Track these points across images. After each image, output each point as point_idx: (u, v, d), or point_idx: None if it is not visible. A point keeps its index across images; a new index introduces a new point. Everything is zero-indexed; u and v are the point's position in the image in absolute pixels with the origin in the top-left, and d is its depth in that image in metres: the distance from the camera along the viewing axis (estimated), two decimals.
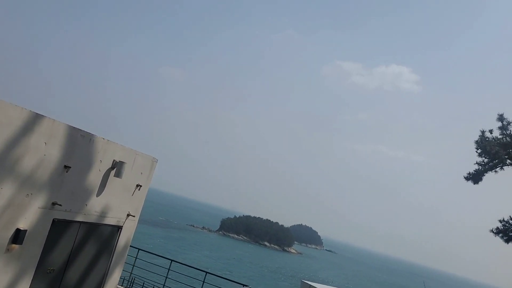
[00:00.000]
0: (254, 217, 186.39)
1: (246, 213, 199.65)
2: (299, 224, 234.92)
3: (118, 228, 9.83)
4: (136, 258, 17.03)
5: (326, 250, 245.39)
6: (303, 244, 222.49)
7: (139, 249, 17.38)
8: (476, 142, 21.92)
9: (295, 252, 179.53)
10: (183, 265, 19.95)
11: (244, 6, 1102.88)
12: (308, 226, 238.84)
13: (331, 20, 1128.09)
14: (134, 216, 10.23)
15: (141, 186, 10.14)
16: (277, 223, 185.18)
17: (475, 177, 22.29)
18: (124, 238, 10.06)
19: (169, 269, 17.00)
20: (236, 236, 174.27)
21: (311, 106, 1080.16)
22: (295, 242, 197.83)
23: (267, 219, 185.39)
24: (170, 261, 17.78)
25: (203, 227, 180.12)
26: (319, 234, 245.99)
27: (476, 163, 22.18)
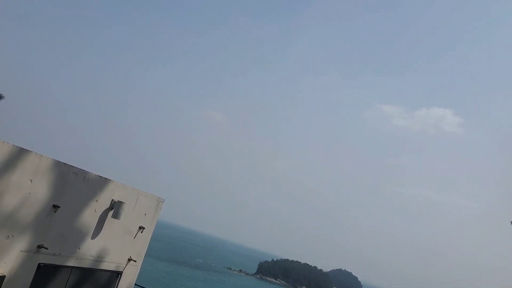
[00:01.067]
0: (292, 261, 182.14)
1: (284, 256, 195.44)
2: (338, 269, 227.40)
3: (118, 274, 9.03)
4: None
5: None
6: None
7: None
8: None
9: None
10: None
11: (292, 50, 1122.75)
12: (347, 271, 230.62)
13: (373, 64, 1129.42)
14: (135, 261, 9.41)
15: (144, 228, 9.39)
16: (315, 267, 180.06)
17: None
18: (125, 284, 9.24)
19: None
20: (273, 280, 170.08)
21: (354, 149, 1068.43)
22: (334, 287, 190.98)
23: (305, 263, 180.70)
24: None
25: (240, 270, 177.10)
26: (359, 279, 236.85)
27: None
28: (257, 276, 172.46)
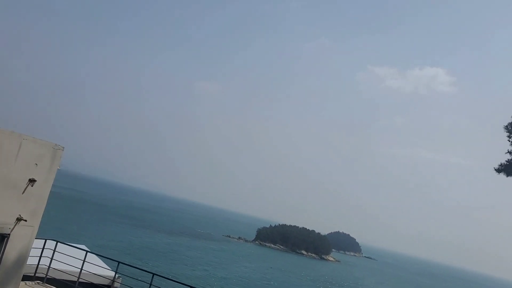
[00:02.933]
0: (290, 226, 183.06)
1: (282, 222, 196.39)
2: (336, 232, 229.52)
3: (2, 237, 7.45)
4: (116, 272, 14.90)
5: (365, 257, 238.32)
6: (341, 251, 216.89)
7: (119, 262, 15.19)
8: (507, 127, 18.54)
9: (333, 260, 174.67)
10: (168, 280, 17.68)
11: (277, 16, 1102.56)
12: (345, 233, 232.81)
13: (363, 25, 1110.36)
14: (27, 221, 7.78)
15: (35, 181, 7.74)
16: (313, 231, 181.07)
17: (507, 168, 18.89)
18: (15, 249, 7.65)
19: (151, 284, 14.79)
20: (272, 245, 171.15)
21: (346, 112, 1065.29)
22: (333, 249, 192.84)
23: (303, 227, 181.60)
24: (152, 274, 15.56)
25: (239, 238, 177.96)
26: (357, 240, 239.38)
27: (508, 152, 18.81)
28: (256, 242, 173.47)
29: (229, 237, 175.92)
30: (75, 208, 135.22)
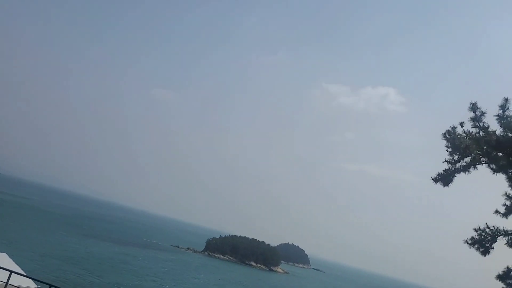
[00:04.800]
0: (240, 237, 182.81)
1: (232, 233, 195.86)
2: (286, 243, 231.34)
3: None
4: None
5: (313, 269, 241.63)
6: (290, 263, 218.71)
7: None
8: (444, 135, 18.77)
9: (282, 271, 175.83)
10: None
11: (237, 29, 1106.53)
12: (295, 245, 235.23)
13: (320, 42, 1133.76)
14: None
15: None
16: (263, 242, 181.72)
17: (444, 178, 19.03)
18: None
19: None
20: (222, 256, 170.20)
21: (300, 127, 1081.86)
22: (282, 261, 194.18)
23: (253, 239, 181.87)
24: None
25: (188, 248, 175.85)
26: (306, 252, 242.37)
27: (445, 161, 18.70)
28: (205, 253, 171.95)
29: (178, 247, 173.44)
30: (15, 214, 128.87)
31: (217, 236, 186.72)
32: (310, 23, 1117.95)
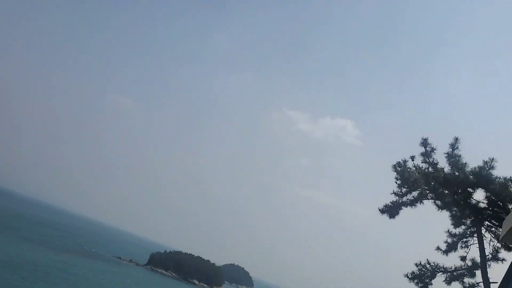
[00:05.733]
0: (186, 253, 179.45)
1: (178, 248, 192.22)
2: (231, 264, 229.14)
3: None
4: None
5: None
6: (233, 284, 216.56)
7: None
8: (394, 167, 19.08)
9: None
10: None
11: (204, 46, 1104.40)
12: (240, 267, 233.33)
13: (285, 67, 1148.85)
14: None
15: None
16: (208, 261, 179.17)
17: (391, 210, 19.21)
18: None
19: None
20: (164, 271, 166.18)
21: (257, 148, 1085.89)
22: (226, 282, 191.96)
23: (198, 256, 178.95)
24: None
25: (130, 260, 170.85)
26: (250, 275, 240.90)
27: (393, 192, 19.23)
28: (148, 267, 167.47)
29: (120, 258, 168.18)
30: None
31: (162, 251, 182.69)
32: (277, 44, 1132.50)
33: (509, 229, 5.30)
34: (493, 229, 19.32)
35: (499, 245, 19.89)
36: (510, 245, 18.89)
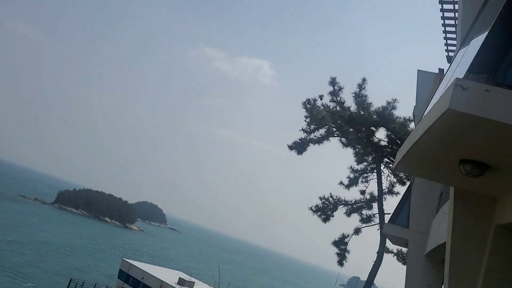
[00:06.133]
0: (96, 191, 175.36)
1: (89, 186, 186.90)
2: (144, 201, 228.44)
3: None
4: None
5: (169, 228, 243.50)
6: (147, 221, 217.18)
7: None
8: (304, 104, 19.46)
9: (137, 229, 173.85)
10: None
11: None
12: (153, 204, 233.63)
13: (203, 6, 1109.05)
14: None
15: None
16: (120, 198, 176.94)
17: (299, 146, 19.88)
18: None
19: None
20: (74, 210, 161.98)
21: (172, 86, 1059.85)
22: (139, 219, 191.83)
23: (110, 194, 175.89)
24: None
25: (35, 199, 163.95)
26: (164, 212, 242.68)
27: (302, 129, 19.91)
28: (56, 205, 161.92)
29: (24, 197, 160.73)
30: None
31: (71, 189, 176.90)
32: None
33: (400, 159, 5.49)
34: (391, 165, 20.80)
35: (395, 180, 21.56)
36: (399, 174, 20.44)
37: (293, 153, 20.26)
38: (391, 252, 22.73)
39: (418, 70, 13.44)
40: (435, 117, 3.89)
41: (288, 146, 20.05)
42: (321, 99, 19.47)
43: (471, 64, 4.08)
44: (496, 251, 5.77)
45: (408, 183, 18.88)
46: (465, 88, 3.55)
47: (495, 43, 4.11)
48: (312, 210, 20.71)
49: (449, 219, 6.34)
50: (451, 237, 6.11)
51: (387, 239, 17.99)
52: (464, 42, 6.97)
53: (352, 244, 21.62)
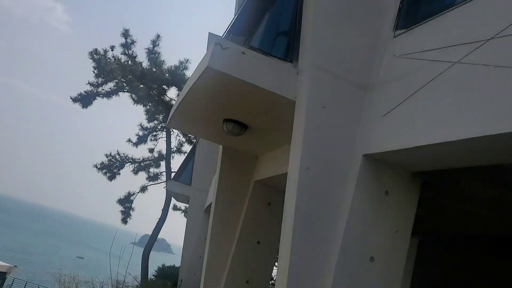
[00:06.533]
0: None
1: None
2: None
3: None
4: None
5: None
6: None
7: None
8: (91, 54, 18.29)
9: None
10: None
11: None
12: None
13: None
14: None
15: None
16: None
17: (85, 99, 18.76)
18: None
19: None
20: None
21: None
22: None
23: None
24: None
25: None
26: None
27: (89, 83, 18.70)
28: None
29: None
30: None
31: None
32: None
33: (171, 116, 5.57)
34: None
35: (184, 139, 22.09)
36: (188, 133, 21.13)
37: (78, 105, 18.79)
38: (179, 209, 23.55)
39: (209, 32, 13.76)
40: (197, 75, 3.98)
41: (72, 98, 18.52)
42: (112, 51, 18.38)
43: (231, 25, 4.28)
44: (252, 203, 6.43)
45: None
46: (224, 48, 3.68)
47: (252, 9, 4.38)
48: (97, 167, 19.83)
49: (216, 175, 6.78)
50: (216, 191, 6.55)
51: (172, 196, 18.52)
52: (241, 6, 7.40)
53: (139, 201, 21.61)
